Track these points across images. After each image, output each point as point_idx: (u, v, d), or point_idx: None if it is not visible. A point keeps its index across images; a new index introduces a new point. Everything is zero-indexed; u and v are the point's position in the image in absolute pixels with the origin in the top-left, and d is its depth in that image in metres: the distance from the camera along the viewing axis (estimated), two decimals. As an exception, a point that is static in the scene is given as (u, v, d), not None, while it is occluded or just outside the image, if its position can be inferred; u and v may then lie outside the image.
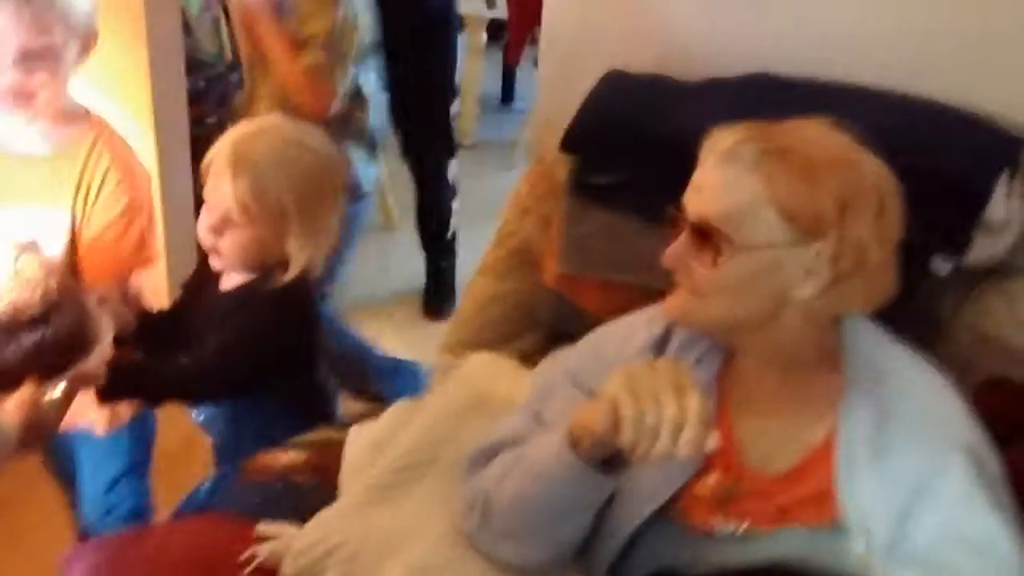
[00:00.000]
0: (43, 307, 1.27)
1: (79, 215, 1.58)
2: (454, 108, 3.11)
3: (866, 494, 1.07)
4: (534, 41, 4.46)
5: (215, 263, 1.50)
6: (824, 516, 1.09)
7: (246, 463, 1.37)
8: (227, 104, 3.20)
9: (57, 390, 1.25)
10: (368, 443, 1.31)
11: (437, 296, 3.20)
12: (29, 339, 1.26)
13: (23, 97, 1.49)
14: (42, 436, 1.25)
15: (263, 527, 1.19)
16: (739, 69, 1.58)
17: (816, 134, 1.10)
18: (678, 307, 1.15)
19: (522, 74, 4.85)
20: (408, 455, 1.25)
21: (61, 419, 1.27)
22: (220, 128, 3.19)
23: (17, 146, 1.56)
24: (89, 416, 1.66)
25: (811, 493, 1.10)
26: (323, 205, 1.47)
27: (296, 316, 1.52)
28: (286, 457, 1.36)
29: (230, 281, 1.54)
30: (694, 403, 0.94)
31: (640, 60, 1.67)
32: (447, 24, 2.97)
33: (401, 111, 2.80)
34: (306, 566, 1.14)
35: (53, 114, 1.54)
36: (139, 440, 1.76)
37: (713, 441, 0.94)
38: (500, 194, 3.31)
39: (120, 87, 2.41)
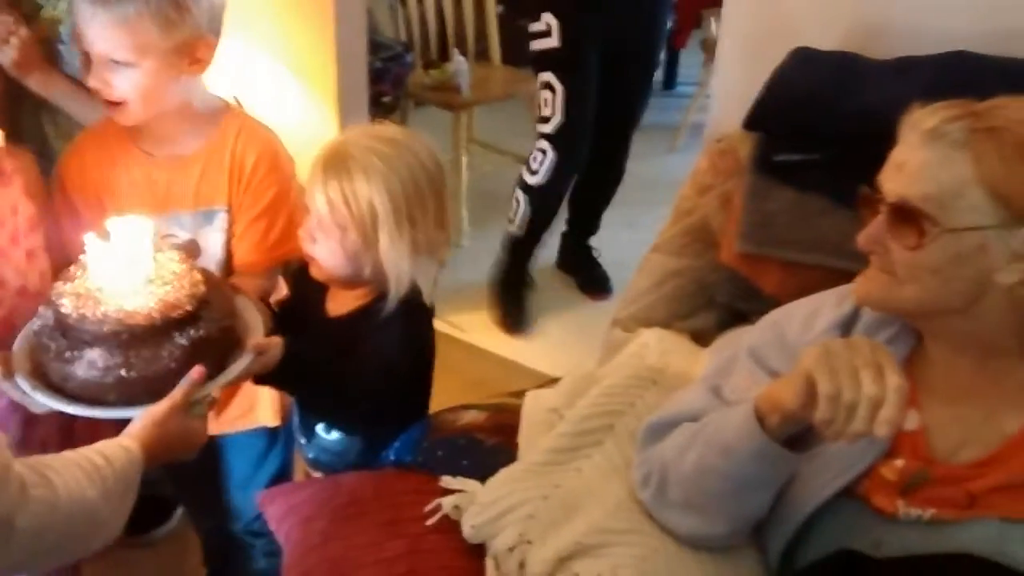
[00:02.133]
0: (193, 306, 1.25)
1: (234, 208, 1.58)
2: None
3: (1068, 488, 1.03)
4: (699, 24, 4.41)
5: (313, 271, 1.45)
6: (1020, 508, 1.05)
7: (433, 420, 1.42)
8: (402, 84, 3.33)
9: (210, 390, 1.24)
10: (546, 408, 1.34)
11: (595, 275, 3.21)
12: (181, 340, 1.23)
13: (113, 106, 1.47)
14: (197, 441, 1.24)
15: (448, 480, 1.24)
16: (929, 48, 1.53)
17: (1028, 112, 1.05)
18: (872, 289, 1.13)
19: (686, 58, 4.79)
20: (586, 420, 1.28)
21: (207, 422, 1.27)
22: (395, 107, 3.35)
23: (157, 148, 1.56)
24: (254, 414, 1.68)
25: (1006, 483, 1.06)
26: (422, 213, 1.39)
27: (425, 339, 1.48)
28: (468, 415, 1.41)
29: (340, 304, 1.49)
30: (893, 381, 0.92)
31: (826, 39, 1.64)
32: None
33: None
34: (487, 521, 1.18)
35: (189, 117, 1.54)
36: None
37: (912, 421, 0.92)
38: (665, 177, 3.31)
39: (306, 66, 2.54)
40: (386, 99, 3.01)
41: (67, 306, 1.22)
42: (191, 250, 1.56)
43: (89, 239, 1.27)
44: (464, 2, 3.60)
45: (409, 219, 1.37)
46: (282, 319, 1.51)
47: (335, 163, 1.38)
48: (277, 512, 1.32)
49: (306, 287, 1.51)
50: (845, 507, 1.11)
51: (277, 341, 1.33)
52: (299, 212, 1.49)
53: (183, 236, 1.56)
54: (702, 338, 1.54)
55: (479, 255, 3.37)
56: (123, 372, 1.21)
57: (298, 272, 1.56)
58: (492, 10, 3.63)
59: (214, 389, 1.26)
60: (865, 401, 0.92)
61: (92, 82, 1.46)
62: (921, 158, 1.05)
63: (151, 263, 1.28)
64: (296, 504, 1.30)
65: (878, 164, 1.13)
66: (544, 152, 2.82)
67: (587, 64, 2.77)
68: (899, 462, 1.11)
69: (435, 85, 3.38)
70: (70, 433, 1.53)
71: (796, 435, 1.06)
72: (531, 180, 2.87)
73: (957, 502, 1.08)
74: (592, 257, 3.24)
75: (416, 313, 1.45)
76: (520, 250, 2.99)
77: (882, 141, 1.13)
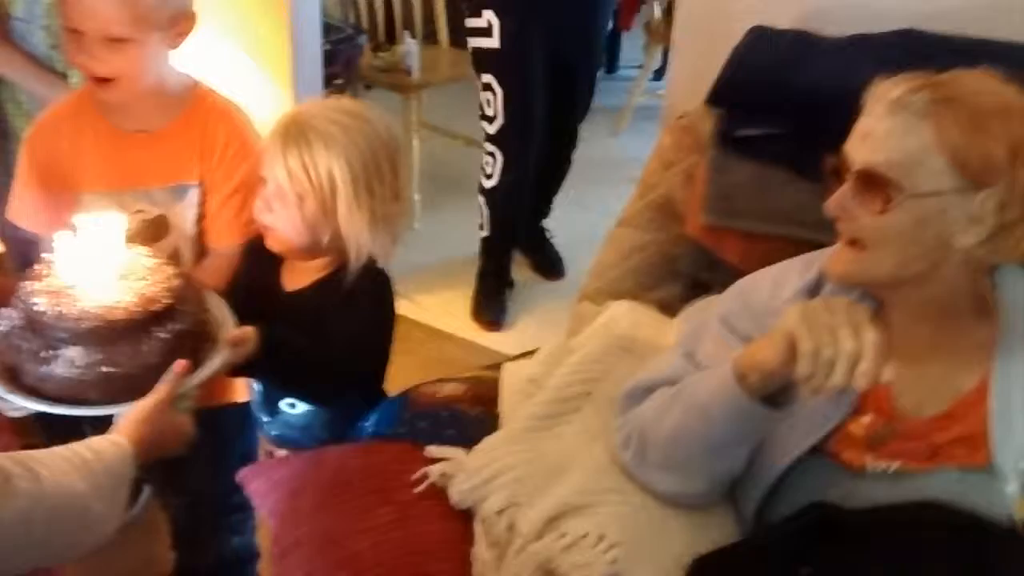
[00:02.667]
0: (170, 299, 1.23)
1: (206, 184, 1.57)
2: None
3: (1020, 437, 1.10)
4: (641, 6, 4.46)
5: (269, 243, 1.45)
6: (977, 457, 1.12)
7: (412, 393, 1.45)
8: (353, 66, 3.32)
9: (194, 383, 1.23)
10: (524, 379, 1.38)
11: (549, 257, 3.26)
12: (161, 333, 1.21)
13: (103, 83, 1.47)
14: (185, 435, 1.22)
15: (434, 449, 1.27)
16: (879, 27, 1.59)
17: (984, 84, 1.12)
18: (842, 265, 1.18)
19: (628, 40, 4.84)
20: (565, 388, 1.32)
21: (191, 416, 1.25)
22: (346, 88, 3.34)
23: (128, 124, 1.54)
24: (228, 390, 1.67)
25: (964, 435, 1.14)
26: (380, 184, 1.40)
27: (391, 308, 1.49)
28: (447, 387, 1.44)
29: (297, 278, 1.49)
30: (870, 336, 0.98)
31: (780, 18, 1.69)
32: None
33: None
34: (475, 486, 1.21)
35: (159, 92, 1.53)
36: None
37: (889, 372, 0.98)
38: (610, 158, 3.36)
39: (261, 48, 2.53)
40: (338, 81, 3.00)
41: (41, 304, 1.19)
42: (161, 225, 1.56)
43: (58, 236, 1.24)
44: (412, -16, 3.60)
45: (367, 189, 1.39)
46: (236, 296, 1.47)
47: (294, 133, 1.38)
48: (261, 488, 1.34)
49: (260, 262, 1.51)
50: (815, 464, 1.17)
51: (251, 332, 1.33)
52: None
53: (153, 212, 1.56)
54: (668, 308, 1.58)
55: (431, 237, 3.39)
56: (104, 369, 1.18)
57: (250, 247, 1.55)
58: (440, -8, 3.65)
59: (195, 384, 1.24)
60: (844, 356, 0.98)
61: (80, 59, 1.45)
62: (886, 127, 1.11)
63: (122, 258, 1.26)
64: (280, 479, 1.32)
65: (835, 136, 1.18)
66: (492, 155, 2.85)
67: (530, 66, 2.74)
68: (866, 419, 1.17)
69: (385, 67, 3.39)
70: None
71: (771, 394, 1.11)
72: (487, 184, 2.90)
73: (920, 454, 1.14)
74: (546, 239, 3.29)
75: (379, 282, 1.47)
76: (493, 250, 3.02)
77: (838, 114, 1.19)
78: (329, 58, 2.90)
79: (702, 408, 1.14)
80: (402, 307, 2.93)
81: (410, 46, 3.33)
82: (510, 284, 3.12)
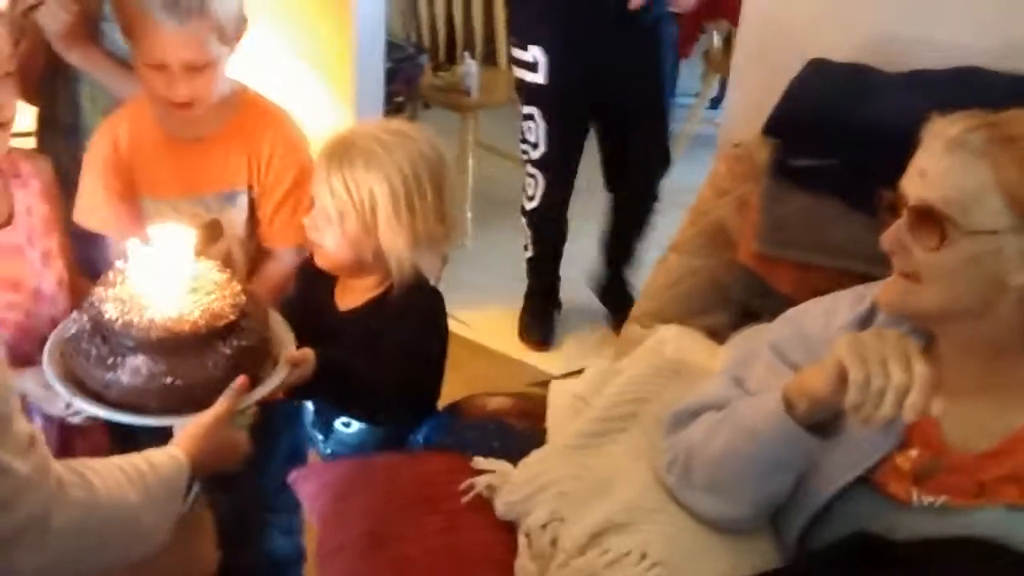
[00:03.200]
0: (236, 315, 1.24)
1: (257, 189, 1.61)
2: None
3: (1072, 478, 1.09)
4: (701, 35, 4.47)
5: (318, 260, 1.48)
6: (1024, 496, 1.11)
7: (461, 404, 1.48)
8: (413, 85, 3.39)
9: (253, 400, 1.25)
10: (572, 396, 1.40)
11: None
12: (224, 349, 1.23)
13: (186, 107, 1.52)
14: (241, 452, 1.24)
15: (481, 461, 1.30)
16: (939, 61, 1.60)
17: (1043, 124, 1.12)
18: (895, 296, 1.19)
19: (686, 68, 4.83)
20: (612, 407, 1.34)
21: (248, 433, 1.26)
22: (406, 106, 3.41)
23: (183, 131, 1.59)
24: None
25: (1013, 473, 1.13)
26: (422, 203, 1.41)
27: (443, 326, 1.51)
28: (495, 401, 1.46)
29: (350, 298, 1.52)
30: (920, 369, 0.99)
31: (840, 51, 1.71)
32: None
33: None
34: (520, 499, 1.24)
35: (216, 101, 1.57)
36: None
37: (938, 406, 0.98)
38: (663, 186, 3.37)
39: (324, 64, 2.60)
40: (399, 99, 3.07)
41: (111, 311, 1.21)
42: (215, 228, 1.61)
43: (131, 245, 1.28)
44: (473, 6, 3.66)
45: (408, 207, 1.41)
46: (291, 314, 1.50)
47: (338, 152, 1.41)
48: (311, 490, 1.37)
49: (314, 281, 1.54)
50: (860, 494, 1.18)
51: (310, 353, 1.35)
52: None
53: (207, 216, 1.61)
54: (716, 335, 1.60)
55: (482, 255, 3.43)
56: (168, 380, 1.20)
57: (304, 269, 1.59)
58: (501, 14, 3.70)
59: (254, 400, 1.26)
60: (893, 387, 0.99)
61: (162, 91, 1.49)
62: (944, 165, 1.12)
63: (191, 270, 1.29)
64: (330, 482, 1.35)
65: (890, 171, 1.20)
66: (534, 177, 2.89)
67: (574, 105, 2.75)
68: (914, 452, 1.17)
69: (444, 87, 3.44)
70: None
71: (819, 423, 1.12)
72: (528, 205, 2.95)
73: (967, 490, 1.14)
74: (625, 291, 3.10)
75: (431, 300, 1.50)
76: (538, 270, 3.06)
77: (894, 149, 1.20)
78: (390, 76, 2.98)
79: (750, 432, 1.15)
80: (450, 324, 2.97)
81: (469, 67, 3.38)
82: (558, 305, 3.12)
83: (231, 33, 1.50)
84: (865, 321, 1.27)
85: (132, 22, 1.47)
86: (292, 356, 1.33)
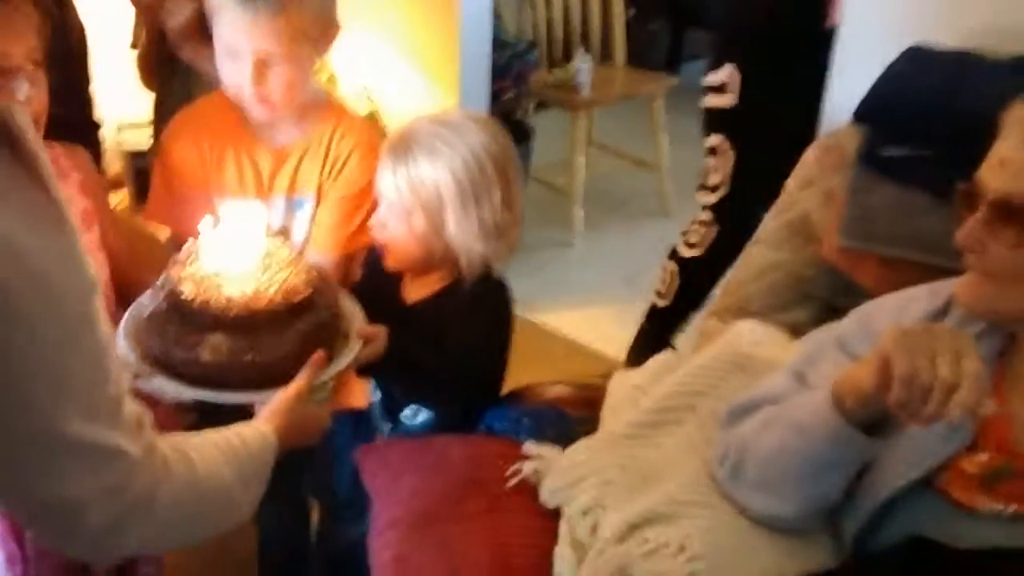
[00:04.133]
0: (310, 292, 1.25)
1: (321, 193, 1.58)
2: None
3: None
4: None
5: (388, 262, 1.47)
6: (1106, 508, 1.02)
7: (521, 391, 1.47)
8: (524, 81, 3.40)
9: (330, 375, 1.25)
10: (631, 386, 1.38)
11: None
12: (301, 325, 1.23)
13: (263, 102, 1.48)
14: (321, 426, 1.25)
15: (529, 446, 1.29)
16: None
17: None
18: (973, 293, 1.11)
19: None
20: (669, 398, 1.31)
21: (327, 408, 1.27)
22: (516, 103, 3.42)
23: (267, 137, 1.56)
24: (347, 396, 1.65)
25: (1093, 483, 1.04)
26: (488, 194, 1.39)
27: (509, 316, 1.49)
28: (555, 389, 1.45)
29: (417, 291, 1.51)
30: (971, 365, 0.92)
31: (945, 37, 1.61)
32: None
33: None
34: (564, 486, 1.22)
35: (298, 107, 1.54)
36: None
37: (988, 407, 0.91)
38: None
39: (430, 61, 2.64)
40: (508, 95, 3.08)
41: (188, 292, 1.22)
42: (282, 236, 1.58)
43: (203, 224, 1.28)
44: (590, 2, 3.64)
45: (475, 200, 1.39)
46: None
47: (400, 149, 1.40)
48: (371, 466, 1.40)
49: (380, 276, 1.52)
50: (922, 497, 1.11)
51: (382, 330, 1.36)
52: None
53: (275, 223, 1.58)
54: (798, 332, 1.53)
55: (590, 256, 3.41)
56: (248, 356, 1.21)
57: (371, 262, 1.57)
58: (619, 10, 3.67)
59: (332, 375, 1.27)
60: (940, 384, 0.92)
61: (238, 80, 1.46)
62: None
63: (263, 248, 1.29)
64: (389, 460, 1.37)
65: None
66: (706, 224, 2.40)
67: (767, 130, 2.22)
68: (984, 455, 1.09)
69: (557, 84, 3.44)
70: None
71: (874, 420, 1.06)
72: (687, 253, 2.45)
73: (1041, 499, 1.06)
74: None
75: (497, 290, 1.48)
76: (664, 323, 2.58)
77: (992, 141, 1.12)
78: (500, 72, 2.99)
79: (800, 430, 1.10)
80: (549, 321, 2.93)
81: (583, 63, 3.37)
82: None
83: (312, 32, 1.48)
84: (938, 318, 1.19)
85: (213, 5, 1.47)
86: (364, 331, 1.34)
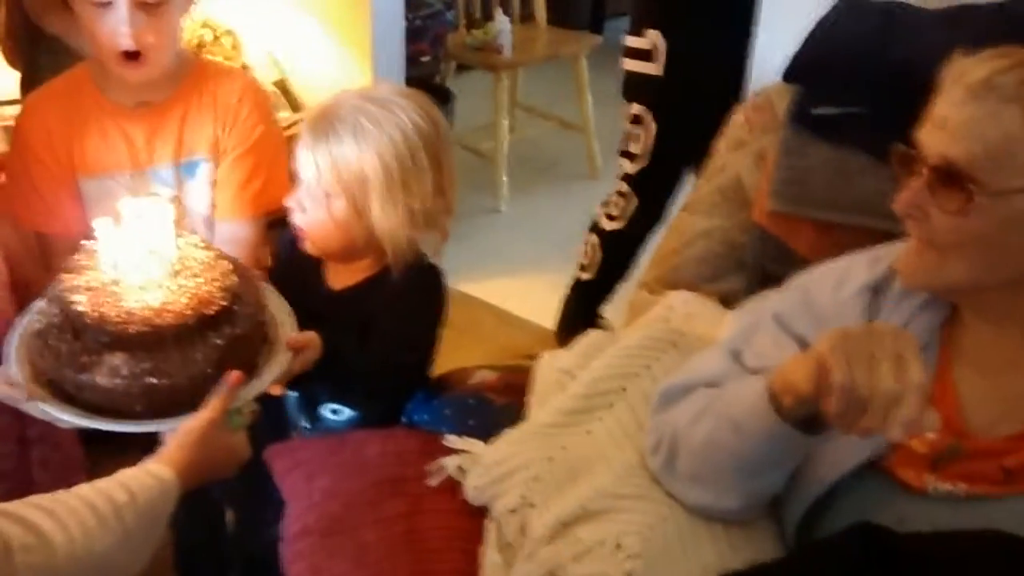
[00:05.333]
0: (227, 300, 1.11)
1: (220, 154, 1.47)
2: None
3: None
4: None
5: (306, 246, 1.36)
6: (1059, 486, 0.97)
7: (443, 379, 1.38)
8: (442, 43, 3.27)
9: (250, 396, 1.12)
10: (559, 369, 1.29)
11: None
12: (216, 339, 1.09)
13: (135, 57, 1.37)
14: (240, 456, 1.12)
15: (453, 439, 1.20)
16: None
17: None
18: (914, 267, 1.05)
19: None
20: (599, 382, 1.22)
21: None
22: (435, 66, 3.30)
23: (129, 98, 1.44)
24: None
25: (1044, 459, 0.99)
26: (418, 180, 1.29)
27: (441, 307, 1.39)
28: (479, 375, 1.36)
29: (342, 277, 1.40)
30: (915, 377, 0.85)
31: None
32: None
33: None
34: (490, 482, 1.13)
35: (169, 62, 1.43)
36: None
37: (933, 423, 0.85)
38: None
39: (341, 23, 2.50)
40: (425, 59, 2.95)
41: (82, 303, 1.07)
42: (173, 204, 1.47)
43: (99, 224, 1.12)
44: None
45: (403, 185, 1.28)
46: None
47: (323, 125, 1.28)
48: (282, 467, 1.29)
49: (301, 259, 1.40)
50: (868, 480, 1.05)
51: (314, 337, 1.23)
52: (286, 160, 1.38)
53: (165, 194, 1.46)
54: (731, 302, 1.46)
55: (518, 220, 3.32)
56: (152, 379, 1.06)
57: (288, 244, 1.43)
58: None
59: (253, 395, 1.13)
60: (880, 396, 0.85)
61: (108, 31, 1.35)
62: (967, 114, 0.97)
63: (174, 251, 1.14)
64: (301, 459, 1.27)
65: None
66: (624, 196, 2.32)
67: (692, 101, 2.12)
68: (931, 434, 1.03)
69: (477, 45, 3.32)
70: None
71: (813, 417, 0.98)
72: (608, 225, 2.36)
73: (991, 477, 1.01)
74: None
75: (428, 281, 1.38)
76: (590, 297, 2.50)
77: (929, 95, 1.05)
78: (416, 34, 2.86)
79: (734, 424, 1.03)
80: (478, 290, 2.85)
81: (503, 24, 3.26)
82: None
83: None
84: (880, 286, 1.12)
85: None
86: (294, 341, 1.20)
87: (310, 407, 1.47)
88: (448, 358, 1.47)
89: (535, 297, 2.92)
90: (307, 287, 1.41)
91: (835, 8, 1.51)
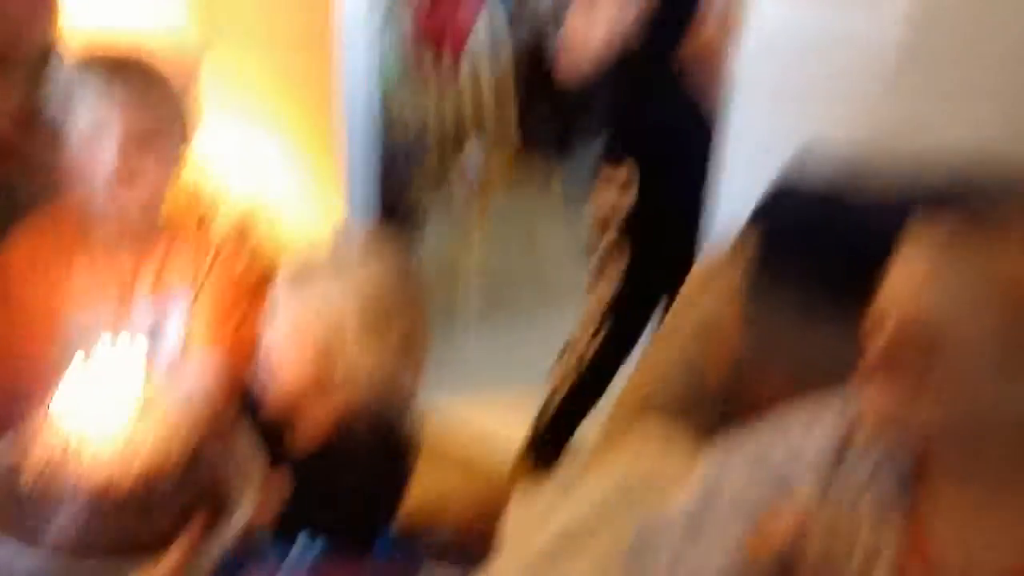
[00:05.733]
0: (190, 455, 1.11)
1: (199, 287, 1.47)
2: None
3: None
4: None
5: (271, 399, 1.35)
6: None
7: (414, 516, 1.36)
8: (417, 165, 3.34)
9: (211, 552, 1.10)
10: (536, 505, 1.28)
11: None
12: (175, 497, 1.09)
13: (124, 182, 1.38)
14: None
15: (427, 580, 1.18)
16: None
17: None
18: (885, 411, 1.04)
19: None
20: (578, 521, 1.22)
21: None
22: (407, 186, 3.34)
23: (113, 236, 1.45)
24: None
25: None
26: (388, 332, 1.31)
27: (414, 455, 1.39)
28: (451, 513, 1.34)
29: (310, 428, 1.38)
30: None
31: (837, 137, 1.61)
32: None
33: None
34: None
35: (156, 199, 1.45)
36: None
37: None
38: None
39: (311, 150, 2.53)
40: (396, 179, 3.02)
41: (33, 462, 1.08)
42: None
43: (70, 373, 1.12)
44: (483, 89, 3.61)
45: (377, 334, 1.31)
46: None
47: (297, 278, 1.32)
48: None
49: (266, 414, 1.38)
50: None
51: (278, 486, 1.23)
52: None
53: (141, 329, 1.44)
54: (704, 436, 1.47)
55: (487, 340, 3.33)
56: (104, 540, 1.06)
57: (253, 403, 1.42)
58: (510, 96, 3.66)
59: (212, 555, 1.11)
60: None
61: (127, 166, 1.37)
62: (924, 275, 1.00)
63: (139, 397, 1.13)
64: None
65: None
66: (596, 320, 2.37)
67: (666, 229, 2.22)
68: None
69: (448, 168, 3.39)
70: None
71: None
72: (580, 349, 2.41)
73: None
74: None
75: (401, 429, 1.38)
76: (561, 421, 2.51)
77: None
78: (389, 162, 2.90)
79: None
80: (447, 408, 2.80)
81: (474, 148, 3.34)
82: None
83: (178, 121, 1.42)
84: (840, 450, 1.12)
85: (69, 86, 1.39)
86: (258, 491, 1.20)
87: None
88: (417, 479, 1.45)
89: (502, 416, 2.90)
90: (275, 432, 1.38)
91: (798, 155, 1.56)
